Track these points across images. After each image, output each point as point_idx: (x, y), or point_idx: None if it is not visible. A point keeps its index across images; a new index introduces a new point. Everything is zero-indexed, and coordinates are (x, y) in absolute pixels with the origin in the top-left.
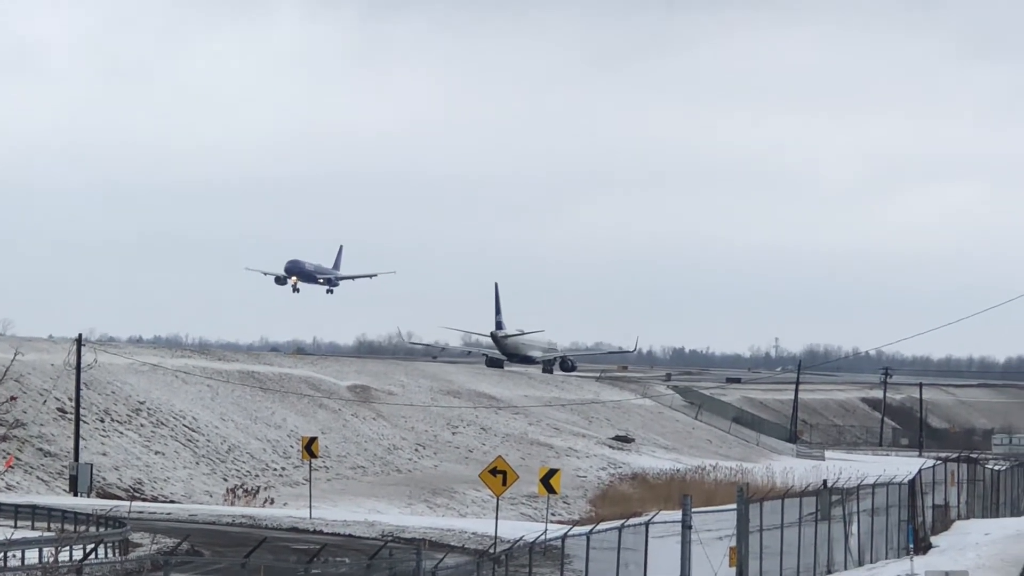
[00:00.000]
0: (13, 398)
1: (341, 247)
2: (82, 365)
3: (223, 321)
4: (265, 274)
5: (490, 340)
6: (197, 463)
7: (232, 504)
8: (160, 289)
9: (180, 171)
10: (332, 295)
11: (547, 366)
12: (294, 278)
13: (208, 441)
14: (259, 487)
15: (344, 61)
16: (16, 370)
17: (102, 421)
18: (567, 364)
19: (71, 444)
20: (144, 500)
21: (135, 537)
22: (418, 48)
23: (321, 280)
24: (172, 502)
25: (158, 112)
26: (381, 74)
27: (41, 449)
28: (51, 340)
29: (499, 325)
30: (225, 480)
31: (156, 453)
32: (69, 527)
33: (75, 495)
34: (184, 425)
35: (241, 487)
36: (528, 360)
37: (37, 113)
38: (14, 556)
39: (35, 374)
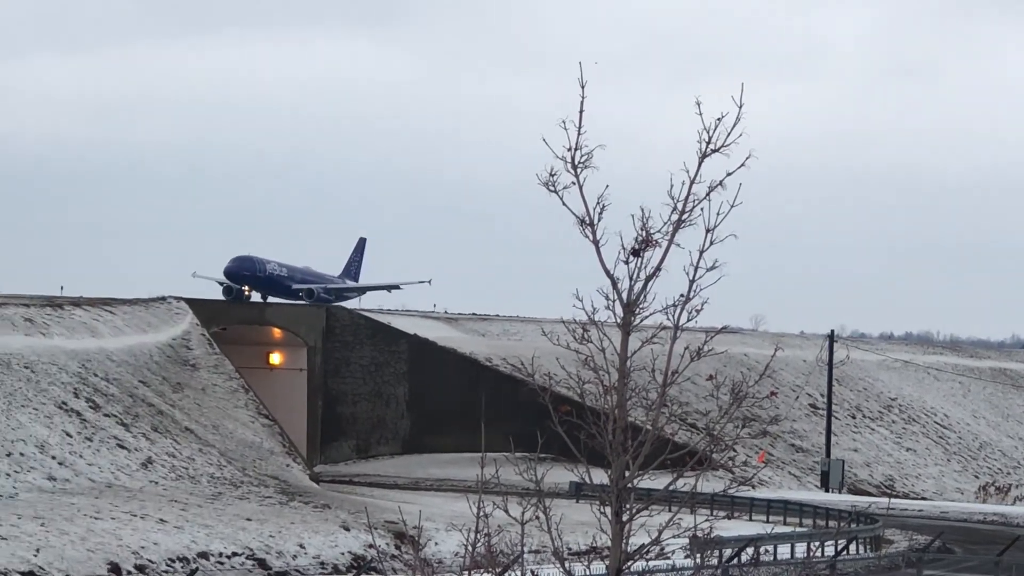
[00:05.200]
0: (773, 394)
1: (363, 241)
2: (834, 361)
3: (974, 317)
4: (220, 283)
5: None
6: (948, 460)
7: (983, 501)
8: (912, 286)
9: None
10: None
11: None
12: (246, 287)
13: (959, 438)
14: (1010, 485)
15: None
16: (770, 366)
17: (853, 417)
18: None
19: (822, 440)
20: (895, 497)
21: (887, 533)
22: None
23: (301, 293)
24: (923, 499)
25: (942, 109)
26: None
27: (793, 445)
28: (802, 336)
29: None
30: (976, 477)
31: (907, 450)
32: (820, 522)
33: (826, 491)
34: (935, 422)
35: (992, 484)
36: None
37: (813, 108)
38: (766, 551)
39: (787, 370)
